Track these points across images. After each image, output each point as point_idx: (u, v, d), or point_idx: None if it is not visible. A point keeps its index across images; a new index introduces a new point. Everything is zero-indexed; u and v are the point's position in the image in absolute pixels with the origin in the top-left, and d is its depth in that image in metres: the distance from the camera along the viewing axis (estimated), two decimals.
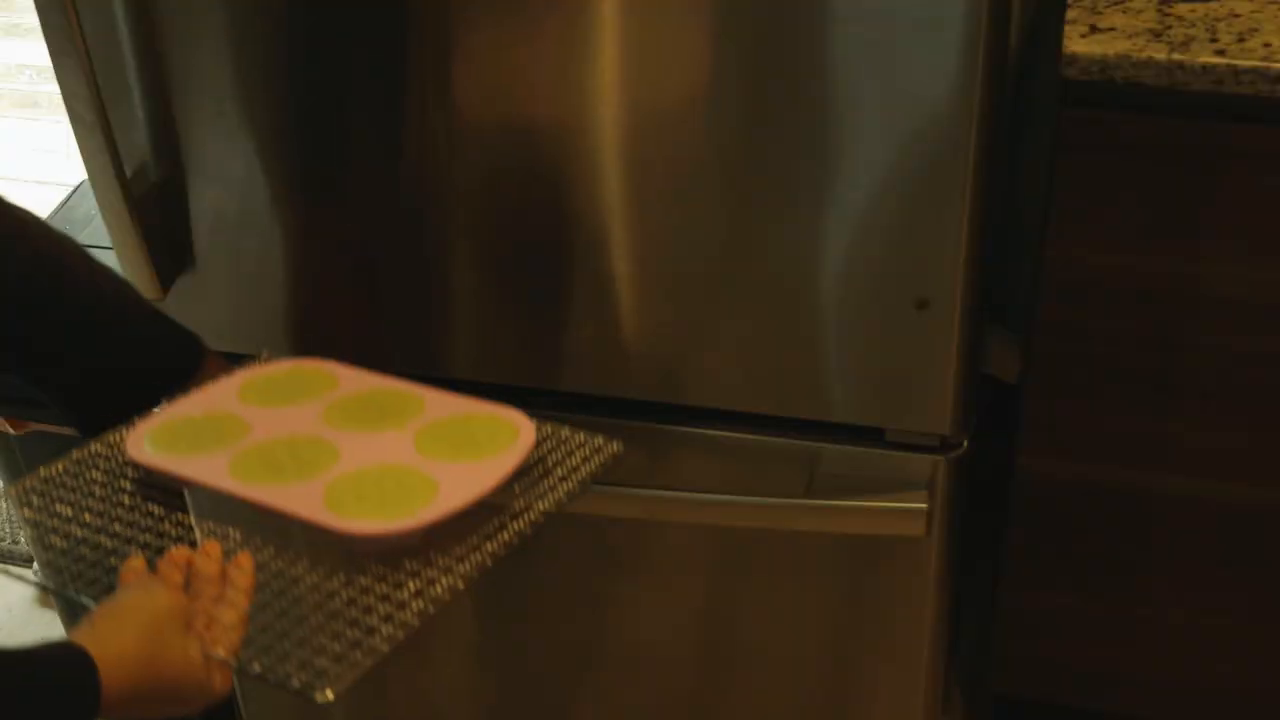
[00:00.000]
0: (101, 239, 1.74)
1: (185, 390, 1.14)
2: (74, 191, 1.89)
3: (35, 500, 1.03)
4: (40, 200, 2.91)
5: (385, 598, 0.92)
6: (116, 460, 1.08)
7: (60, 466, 1.06)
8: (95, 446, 1.08)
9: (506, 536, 0.96)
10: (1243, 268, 1.20)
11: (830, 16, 1.07)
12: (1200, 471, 1.30)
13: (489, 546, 0.96)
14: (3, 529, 2.19)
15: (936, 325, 1.18)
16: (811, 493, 1.28)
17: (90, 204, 1.80)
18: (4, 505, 2.17)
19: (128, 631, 0.88)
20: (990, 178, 1.14)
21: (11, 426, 1.69)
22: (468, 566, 0.94)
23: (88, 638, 0.86)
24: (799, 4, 1.07)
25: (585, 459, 1.06)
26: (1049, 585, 1.41)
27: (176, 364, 1.17)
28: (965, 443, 1.28)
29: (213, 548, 0.96)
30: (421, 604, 0.92)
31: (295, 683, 0.88)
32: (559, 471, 1.04)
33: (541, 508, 1.00)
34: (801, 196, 1.16)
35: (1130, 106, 1.15)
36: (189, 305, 1.36)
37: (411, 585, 0.93)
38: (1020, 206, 1.47)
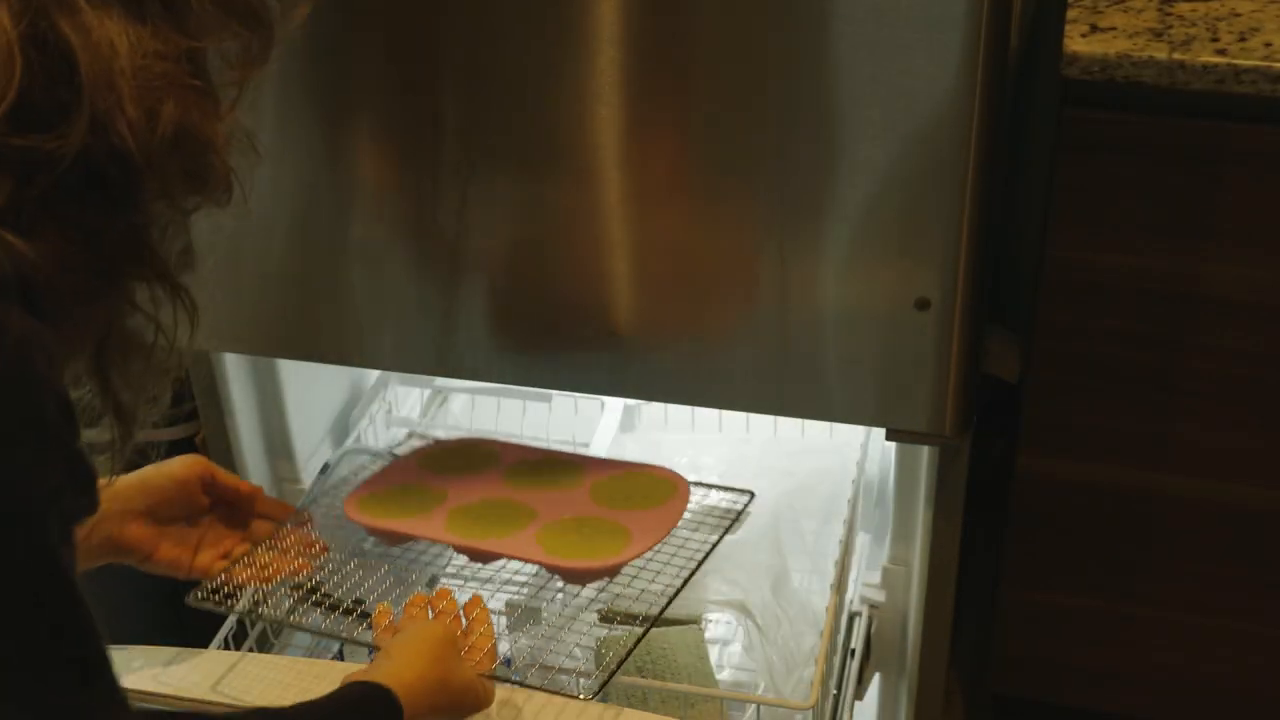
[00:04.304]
0: None
1: None
2: None
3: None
4: None
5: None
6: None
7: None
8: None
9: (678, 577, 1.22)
10: (1243, 268, 1.20)
11: (830, 16, 1.07)
12: (1200, 471, 1.30)
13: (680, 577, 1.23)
14: None
15: (936, 325, 1.18)
16: None
17: None
18: None
19: (422, 660, 1.02)
20: (990, 178, 1.14)
21: None
22: (666, 586, 1.21)
23: (385, 671, 0.99)
24: (799, 3, 1.07)
25: (725, 513, 1.31)
26: (1049, 585, 1.41)
27: None
28: (965, 443, 1.28)
29: (445, 593, 1.16)
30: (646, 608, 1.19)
31: (570, 687, 1.16)
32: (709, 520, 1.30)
33: (706, 549, 1.25)
34: (802, 196, 1.15)
35: (1131, 106, 1.15)
36: None
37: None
38: (1020, 206, 1.47)
